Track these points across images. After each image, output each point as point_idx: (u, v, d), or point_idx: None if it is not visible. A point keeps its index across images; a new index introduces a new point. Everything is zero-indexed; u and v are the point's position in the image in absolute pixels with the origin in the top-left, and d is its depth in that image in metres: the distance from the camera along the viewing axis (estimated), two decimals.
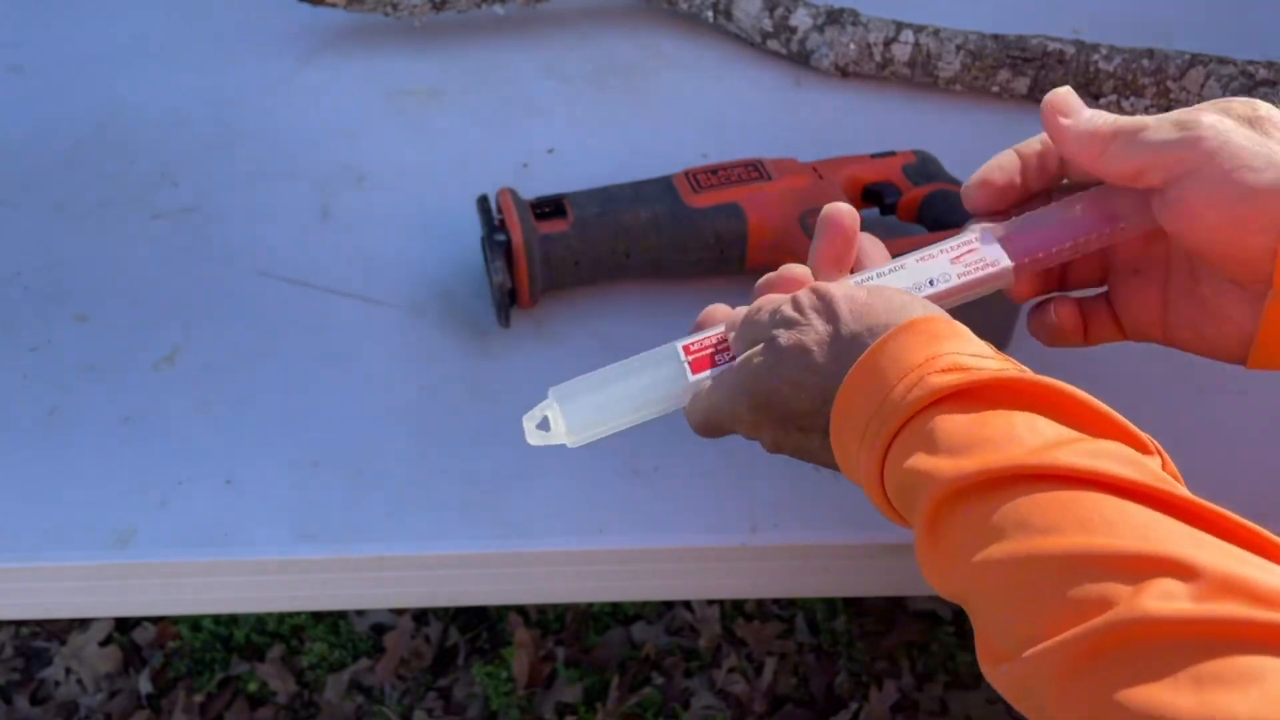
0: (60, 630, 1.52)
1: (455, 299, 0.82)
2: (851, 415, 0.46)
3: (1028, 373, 0.44)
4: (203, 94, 0.99)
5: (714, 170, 0.79)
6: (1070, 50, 0.94)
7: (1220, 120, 0.49)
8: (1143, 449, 0.42)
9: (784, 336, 0.49)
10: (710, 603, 1.53)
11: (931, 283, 0.54)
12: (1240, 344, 0.52)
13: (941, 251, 0.55)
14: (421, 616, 1.54)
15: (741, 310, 0.54)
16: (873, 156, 0.84)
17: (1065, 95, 0.53)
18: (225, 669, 1.49)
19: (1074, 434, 0.41)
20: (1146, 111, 0.94)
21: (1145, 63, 0.93)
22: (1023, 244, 0.55)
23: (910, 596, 1.52)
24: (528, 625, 1.52)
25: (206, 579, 0.70)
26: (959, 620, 1.51)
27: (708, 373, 0.54)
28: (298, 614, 1.53)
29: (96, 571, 0.69)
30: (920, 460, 0.42)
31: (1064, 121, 0.53)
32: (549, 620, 1.53)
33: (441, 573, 0.71)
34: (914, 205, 0.81)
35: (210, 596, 0.74)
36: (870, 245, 0.56)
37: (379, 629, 1.53)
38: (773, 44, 1.00)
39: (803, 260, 0.76)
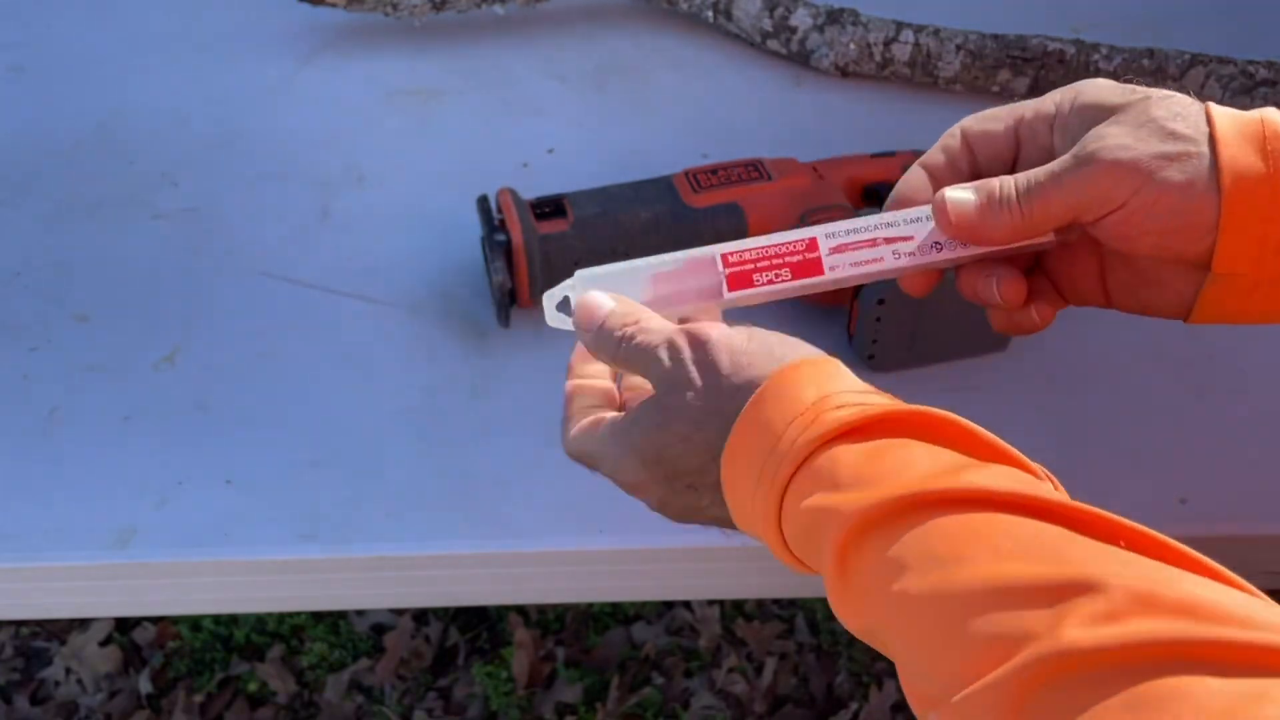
0: (60, 630, 1.52)
1: (455, 299, 0.82)
2: (743, 464, 0.44)
3: (916, 406, 0.43)
4: (203, 94, 0.99)
5: (714, 170, 0.79)
6: (1070, 50, 0.94)
7: (1115, 131, 0.49)
8: (1034, 475, 0.41)
9: (666, 391, 0.48)
10: (710, 603, 1.53)
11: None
12: (1180, 306, 0.51)
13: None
14: (421, 616, 1.54)
15: (617, 317, 0.51)
16: (873, 156, 0.84)
17: (949, 193, 0.51)
18: (225, 669, 1.49)
19: (971, 460, 0.41)
20: None
21: (1145, 63, 0.93)
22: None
23: None
24: (528, 625, 1.52)
25: (206, 579, 0.70)
26: None
27: (751, 291, 0.52)
28: (298, 614, 1.53)
29: (96, 571, 0.69)
30: (821, 499, 0.41)
31: (960, 213, 0.51)
32: (549, 620, 1.53)
33: (441, 573, 0.71)
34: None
35: (210, 596, 0.74)
36: None
37: (379, 629, 1.53)
38: (773, 44, 1.00)
39: None
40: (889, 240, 0.53)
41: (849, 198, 0.81)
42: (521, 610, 1.53)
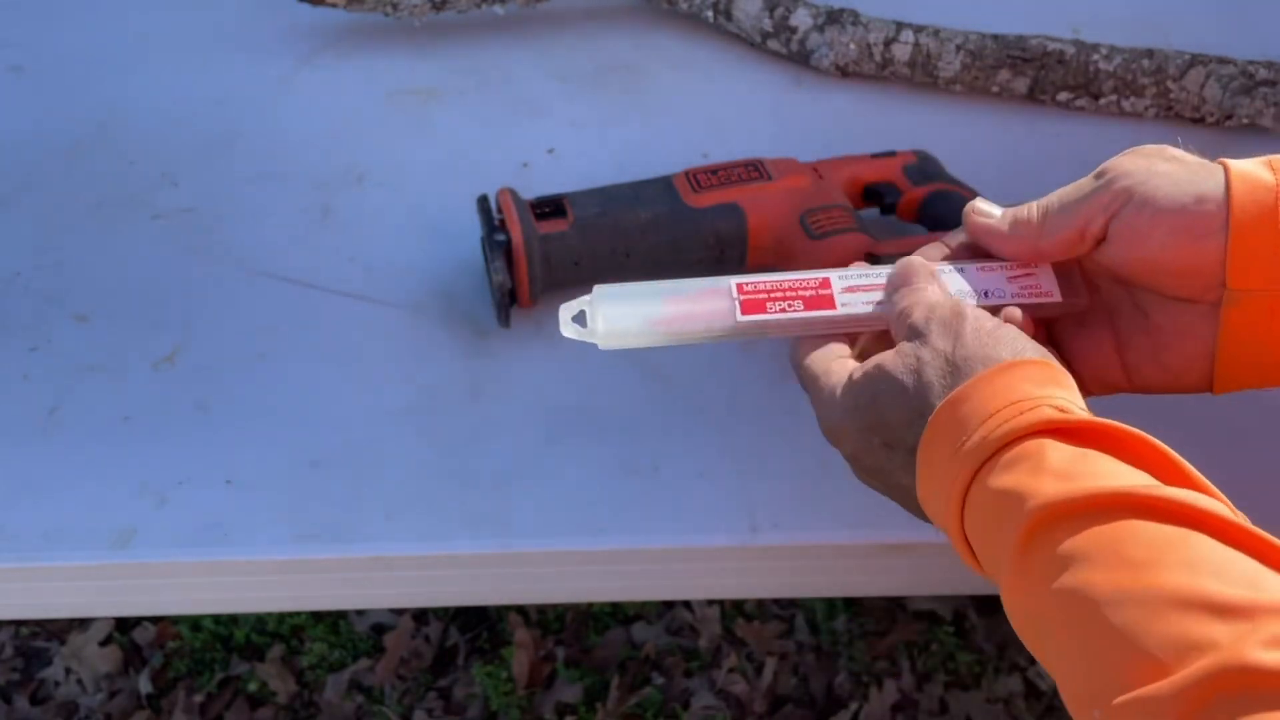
0: (60, 630, 1.52)
1: (455, 299, 0.82)
2: (948, 431, 0.45)
3: (1135, 430, 0.44)
4: (203, 94, 0.99)
5: (714, 170, 0.79)
6: (1070, 50, 0.94)
7: (1128, 158, 0.52)
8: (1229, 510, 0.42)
9: (905, 346, 0.50)
10: (710, 603, 1.53)
11: (986, 294, 0.55)
12: (1204, 363, 0.52)
13: (1002, 268, 0.56)
14: (421, 616, 1.54)
15: (920, 287, 0.53)
16: (873, 156, 0.84)
17: (978, 203, 0.56)
18: (225, 669, 1.49)
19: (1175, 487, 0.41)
20: (1146, 111, 0.94)
21: (1145, 63, 0.93)
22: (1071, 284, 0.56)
23: (910, 596, 1.52)
24: (528, 625, 1.52)
25: (206, 579, 0.70)
26: (959, 620, 1.51)
27: (762, 317, 0.54)
28: (298, 614, 1.53)
29: (96, 571, 0.69)
30: (1019, 479, 0.42)
31: (987, 222, 0.56)
32: (549, 620, 1.53)
33: (441, 573, 0.71)
34: (914, 205, 0.81)
35: (210, 596, 0.74)
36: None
37: (379, 629, 1.53)
38: (773, 44, 1.00)
39: (803, 260, 0.76)
40: None
41: (849, 198, 0.81)
42: (521, 610, 1.53)
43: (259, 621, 1.53)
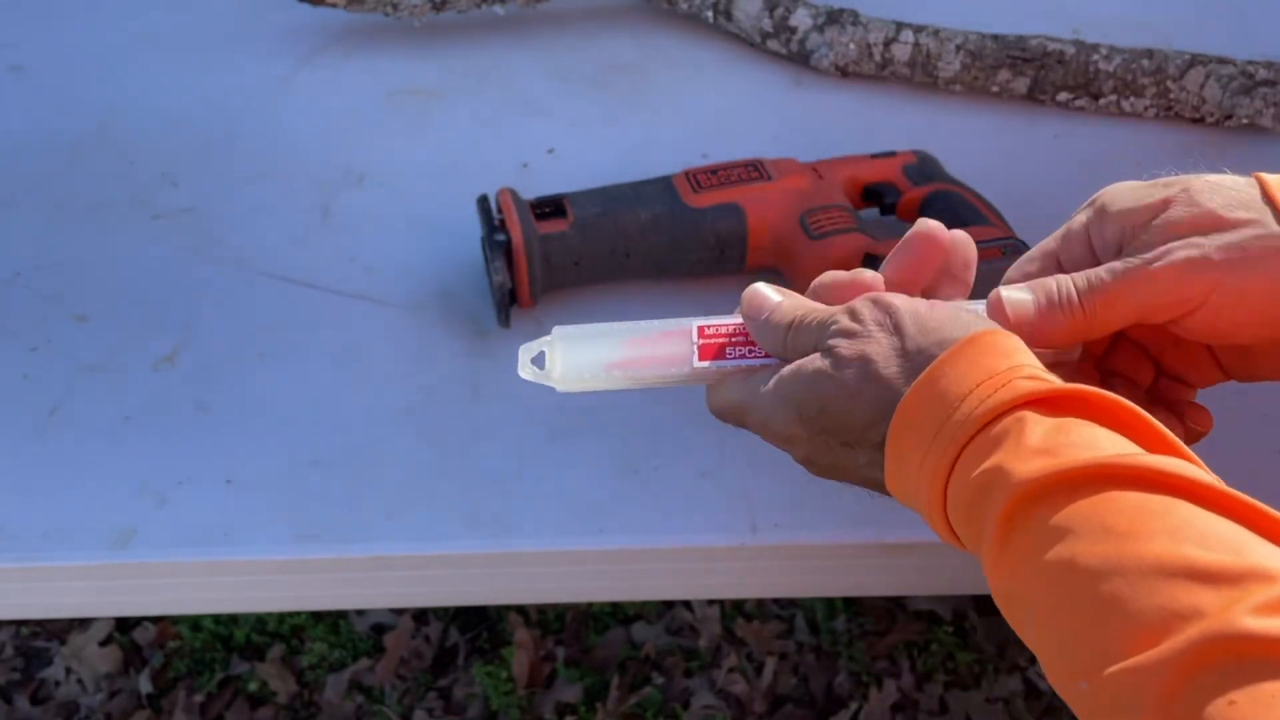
0: (60, 630, 1.52)
1: (455, 299, 0.82)
2: (919, 421, 0.44)
3: (1106, 392, 0.43)
4: (203, 94, 0.99)
5: (714, 170, 0.79)
6: (1070, 50, 0.94)
7: (1172, 228, 0.48)
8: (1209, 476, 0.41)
9: (845, 346, 0.48)
10: (710, 603, 1.53)
11: None
12: None
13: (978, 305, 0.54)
14: (421, 616, 1.54)
15: (787, 308, 0.52)
16: (873, 156, 0.84)
17: (1003, 292, 0.51)
18: (225, 669, 1.49)
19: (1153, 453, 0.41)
20: (1146, 111, 0.94)
21: (1145, 63, 0.93)
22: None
23: (910, 596, 1.52)
24: (528, 625, 1.51)
25: (206, 579, 0.70)
26: (959, 620, 1.51)
27: (721, 364, 0.53)
28: (298, 614, 1.53)
29: (96, 571, 0.69)
30: (1000, 458, 0.41)
31: (1019, 314, 0.50)
32: (549, 620, 1.53)
33: (441, 573, 0.71)
34: (914, 205, 0.81)
35: (210, 596, 0.74)
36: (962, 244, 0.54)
37: (379, 629, 1.53)
38: (773, 44, 1.00)
39: (803, 260, 0.76)
40: None
41: (849, 198, 0.81)
42: (521, 610, 1.53)
43: (259, 621, 1.53)
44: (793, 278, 0.78)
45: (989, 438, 0.42)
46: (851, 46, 0.97)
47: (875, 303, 0.48)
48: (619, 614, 1.54)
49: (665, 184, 0.79)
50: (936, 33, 0.96)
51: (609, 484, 0.71)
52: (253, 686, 1.47)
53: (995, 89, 0.96)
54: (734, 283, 0.79)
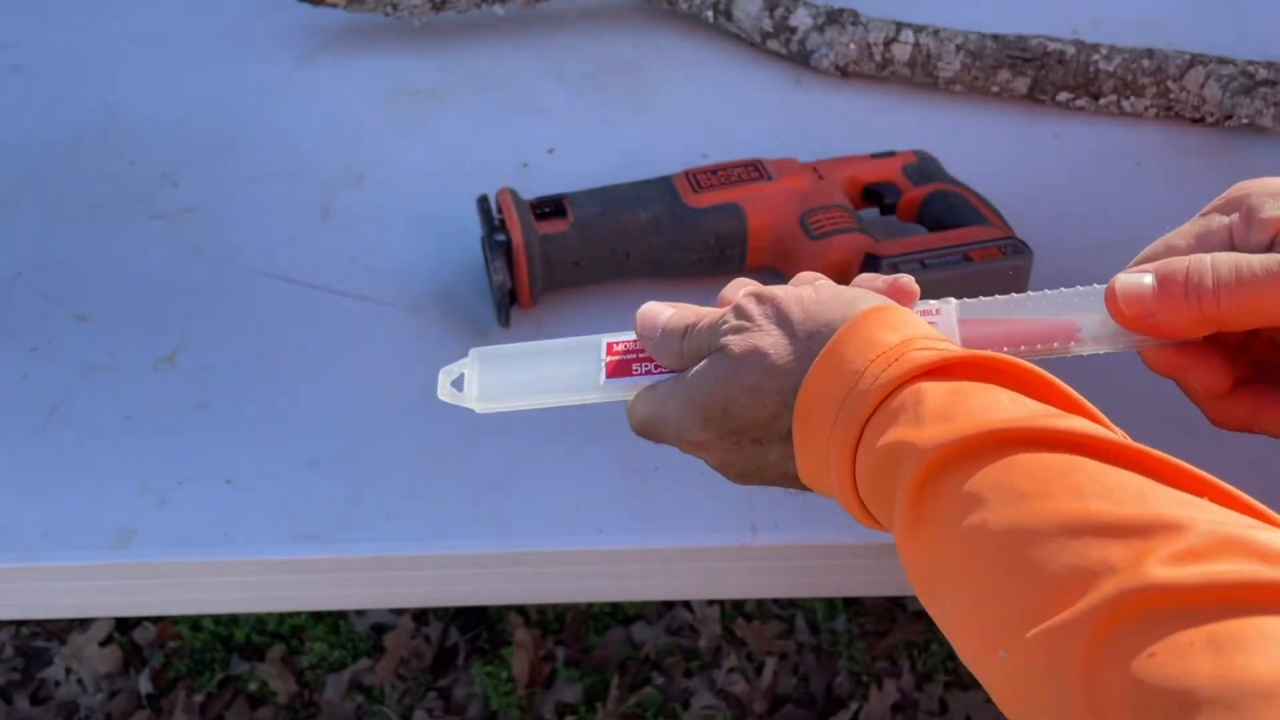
0: (60, 630, 1.52)
1: (455, 299, 0.82)
2: (820, 404, 0.44)
3: (1000, 354, 0.43)
4: (203, 94, 0.99)
5: (714, 170, 0.79)
6: (1070, 50, 0.94)
7: None
8: (1111, 430, 0.41)
9: (735, 343, 0.48)
10: (710, 603, 1.53)
11: None
12: None
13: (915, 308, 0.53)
14: (421, 616, 1.54)
15: (677, 318, 0.51)
16: (873, 156, 0.84)
17: (1119, 278, 0.47)
18: (225, 669, 1.49)
19: (1055, 409, 0.41)
20: (1146, 111, 0.94)
21: (1145, 63, 0.93)
22: (979, 331, 0.50)
23: (910, 596, 1.52)
24: (528, 625, 1.52)
25: (206, 579, 0.70)
26: None
27: (626, 380, 0.52)
28: (298, 614, 1.53)
29: (96, 571, 0.69)
30: (901, 432, 0.41)
31: (1130, 298, 0.46)
32: (549, 620, 1.53)
33: (441, 573, 0.71)
34: (914, 205, 0.81)
35: (210, 596, 0.74)
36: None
37: (379, 629, 1.53)
38: (773, 44, 1.00)
39: (803, 260, 0.76)
40: None
41: (849, 198, 0.81)
42: (521, 610, 1.53)
43: (259, 621, 1.53)
44: (792, 278, 0.78)
45: (888, 412, 0.42)
46: (851, 46, 0.97)
47: (758, 297, 0.49)
48: (619, 614, 1.54)
49: (665, 184, 0.79)
50: (936, 33, 0.96)
51: (609, 484, 0.71)
52: (253, 686, 1.47)
53: (995, 89, 0.96)
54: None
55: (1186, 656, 0.31)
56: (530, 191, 0.80)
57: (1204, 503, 0.36)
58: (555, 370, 0.54)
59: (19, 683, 1.48)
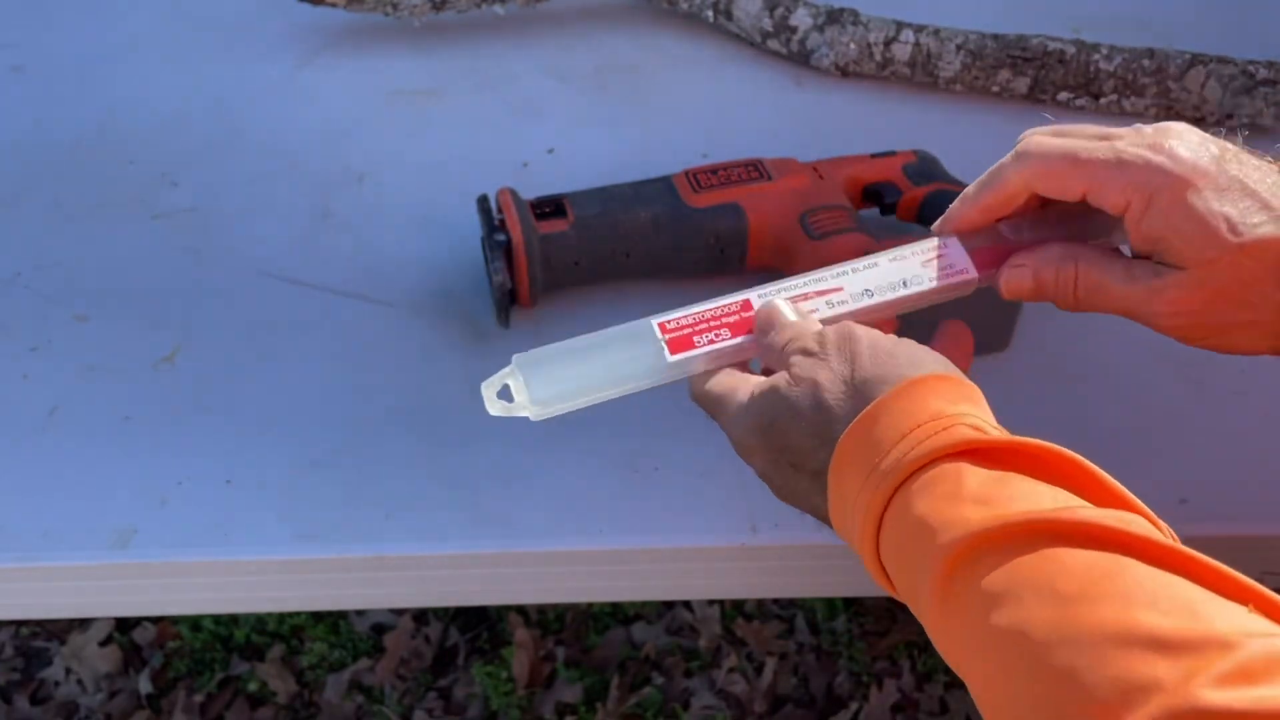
0: (60, 630, 1.52)
1: (455, 299, 0.82)
2: (858, 454, 0.44)
3: (1050, 444, 0.42)
4: (203, 94, 0.99)
5: (714, 170, 0.79)
6: (1070, 50, 0.94)
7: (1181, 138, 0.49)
8: (1159, 529, 0.40)
9: (800, 365, 0.48)
10: (710, 603, 1.53)
11: (905, 283, 0.54)
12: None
13: (913, 254, 0.55)
14: (421, 616, 1.54)
15: (783, 321, 0.53)
16: (873, 156, 0.84)
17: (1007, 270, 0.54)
18: (225, 669, 1.49)
19: (1099, 508, 0.40)
20: (1147, 111, 0.94)
21: (1145, 63, 0.93)
22: (989, 257, 0.55)
23: None
24: (528, 625, 1.52)
25: (206, 579, 0.70)
26: None
27: (693, 353, 0.53)
28: (298, 614, 1.53)
29: (96, 571, 0.69)
30: (937, 506, 0.40)
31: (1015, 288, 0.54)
32: (549, 620, 1.53)
33: (441, 573, 0.71)
34: (914, 205, 0.81)
35: (210, 596, 0.74)
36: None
37: (379, 629, 1.53)
38: (773, 44, 1.00)
39: (803, 260, 0.76)
40: (820, 293, 0.55)
41: (849, 198, 0.81)
42: (521, 610, 1.53)
43: (259, 621, 1.53)
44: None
45: (924, 482, 0.42)
46: (852, 46, 0.97)
47: (840, 330, 0.49)
48: (619, 614, 1.54)
49: (665, 184, 0.79)
50: (937, 32, 0.96)
51: (609, 484, 0.71)
52: (253, 686, 1.47)
53: (996, 89, 0.96)
54: (734, 283, 0.79)
55: None
56: (530, 191, 0.80)
57: (1254, 616, 0.35)
58: (609, 361, 0.53)
59: (19, 683, 1.48)
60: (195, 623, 1.52)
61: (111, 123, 0.97)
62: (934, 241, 0.56)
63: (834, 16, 0.98)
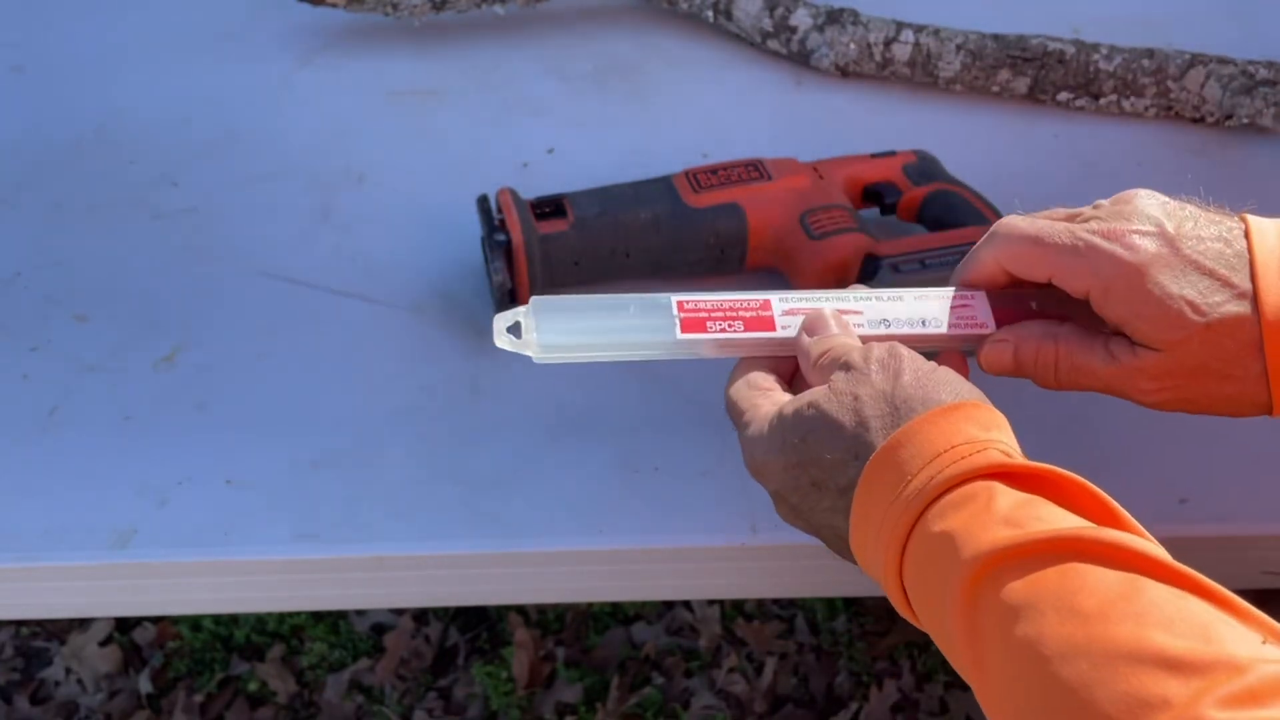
0: (60, 630, 1.52)
1: (455, 299, 0.82)
2: (893, 469, 0.44)
3: (1080, 479, 0.43)
4: (203, 94, 0.99)
5: (714, 170, 0.79)
6: (1070, 50, 0.94)
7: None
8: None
9: (841, 380, 0.49)
10: (710, 603, 1.53)
11: (924, 323, 0.55)
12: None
13: (939, 298, 0.56)
14: (421, 616, 1.54)
15: (834, 333, 0.53)
16: (873, 156, 0.84)
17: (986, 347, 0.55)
18: (225, 669, 1.49)
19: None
20: (1146, 111, 0.94)
21: (1145, 63, 0.93)
22: (1009, 318, 0.56)
23: None
24: (528, 625, 1.52)
25: (206, 579, 0.70)
26: None
27: (702, 336, 0.54)
28: (298, 614, 1.53)
29: (96, 571, 0.69)
30: (965, 521, 0.41)
31: (995, 365, 0.55)
32: (549, 620, 1.53)
33: (441, 573, 0.71)
34: (914, 205, 0.81)
35: (210, 596, 0.74)
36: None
37: (379, 629, 1.53)
38: (773, 44, 1.00)
39: (804, 260, 0.76)
40: (841, 313, 0.55)
41: (849, 198, 0.81)
42: (521, 610, 1.53)
43: (259, 621, 1.53)
44: (793, 277, 0.78)
45: (955, 499, 0.42)
46: (852, 46, 0.97)
47: (888, 348, 0.49)
48: (619, 614, 1.54)
49: (665, 184, 0.79)
50: (937, 32, 0.96)
51: (609, 484, 0.71)
52: (253, 686, 1.47)
53: (995, 89, 0.96)
54: (734, 283, 0.79)
55: None
56: (530, 191, 0.80)
57: (1268, 644, 0.36)
58: (622, 323, 0.54)
59: (19, 683, 1.48)
60: (195, 623, 1.52)
61: (111, 123, 0.97)
62: (960, 290, 0.57)
63: (834, 16, 0.98)
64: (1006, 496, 0.42)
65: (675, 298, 0.55)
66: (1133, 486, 0.71)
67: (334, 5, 1.00)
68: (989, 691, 0.40)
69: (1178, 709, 0.33)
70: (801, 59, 0.99)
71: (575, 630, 1.52)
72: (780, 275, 0.79)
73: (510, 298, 0.77)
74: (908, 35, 0.96)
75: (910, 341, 0.55)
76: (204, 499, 0.70)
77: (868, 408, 0.47)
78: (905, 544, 0.44)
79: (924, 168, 0.83)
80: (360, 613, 1.54)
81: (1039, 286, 0.55)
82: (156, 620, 1.53)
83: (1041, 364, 0.54)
